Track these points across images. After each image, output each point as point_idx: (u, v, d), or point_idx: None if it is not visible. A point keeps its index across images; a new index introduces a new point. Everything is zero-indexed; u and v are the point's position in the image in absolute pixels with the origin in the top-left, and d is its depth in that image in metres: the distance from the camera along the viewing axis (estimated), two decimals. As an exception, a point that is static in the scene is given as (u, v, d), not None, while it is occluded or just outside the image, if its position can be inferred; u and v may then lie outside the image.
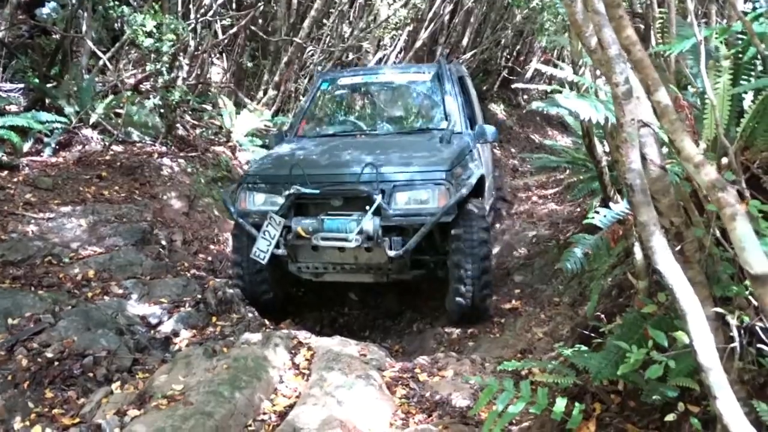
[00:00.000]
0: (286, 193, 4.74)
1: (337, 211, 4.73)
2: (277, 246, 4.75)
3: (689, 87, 2.70)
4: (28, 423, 3.21)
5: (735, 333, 1.35)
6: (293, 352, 4.05)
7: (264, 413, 3.42)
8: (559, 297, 5.05)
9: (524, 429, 2.76)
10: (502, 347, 4.55)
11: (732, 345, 1.34)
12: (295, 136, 6.10)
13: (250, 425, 3.29)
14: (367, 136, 5.87)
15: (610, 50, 1.21)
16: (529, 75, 17.99)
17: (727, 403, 1.12)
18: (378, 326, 5.83)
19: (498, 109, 17.20)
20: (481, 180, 5.34)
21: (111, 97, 7.47)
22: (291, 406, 3.44)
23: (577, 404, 1.93)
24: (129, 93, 7.57)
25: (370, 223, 4.52)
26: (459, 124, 5.74)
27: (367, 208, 4.55)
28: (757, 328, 1.41)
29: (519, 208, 8.88)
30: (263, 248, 4.73)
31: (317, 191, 4.70)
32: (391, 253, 4.59)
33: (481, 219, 4.88)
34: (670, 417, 1.79)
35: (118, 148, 7.29)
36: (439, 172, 4.67)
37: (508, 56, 17.12)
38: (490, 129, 5.83)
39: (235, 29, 9.04)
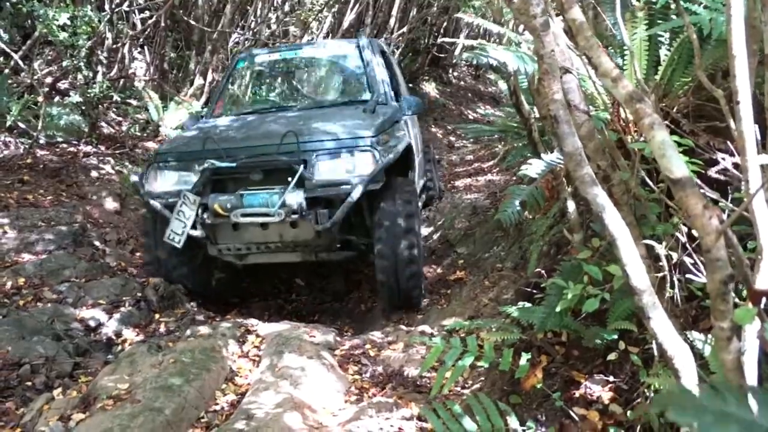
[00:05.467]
0: (200, 168, 4.43)
1: (257, 186, 4.45)
2: (193, 227, 4.44)
3: (609, 48, 2.78)
4: (-36, 439, 3.06)
5: (664, 262, 1.40)
6: (242, 340, 3.99)
7: (216, 404, 3.35)
8: (501, 263, 5.15)
9: (476, 390, 2.81)
10: (450, 316, 4.61)
11: (662, 274, 1.39)
12: (212, 117, 5.82)
13: (203, 417, 3.22)
14: (287, 111, 5.59)
15: (526, -18, 1.23)
16: (457, 51, 18.14)
17: (660, 322, 1.16)
18: (326, 309, 5.81)
19: (430, 88, 17.31)
20: (409, 153, 5.23)
21: (26, 97, 7.11)
22: (243, 394, 3.39)
23: (523, 354, 1.97)
24: (46, 91, 7.22)
25: (293, 195, 4.28)
26: (383, 96, 5.54)
27: (289, 179, 4.30)
28: (686, 261, 1.47)
29: (457, 182, 8.98)
30: (178, 230, 4.42)
31: (233, 165, 4.39)
32: (318, 227, 4.37)
33: (407, 195, 4.66)
34: (611, 356, 1.85)
35: (41, 151, 6.96)
36: (364, 138, 4.43)
37: (436, 34, 17.21)
38: (414, 100, 5.71)
39: (153, 19, 8.73)
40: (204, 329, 4.01)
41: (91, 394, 3.29)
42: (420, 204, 6.15)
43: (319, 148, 4.41)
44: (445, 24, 17.24)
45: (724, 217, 0.92)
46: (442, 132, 14.55)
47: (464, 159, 11.42)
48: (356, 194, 4.28)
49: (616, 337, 1.94)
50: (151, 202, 4.58)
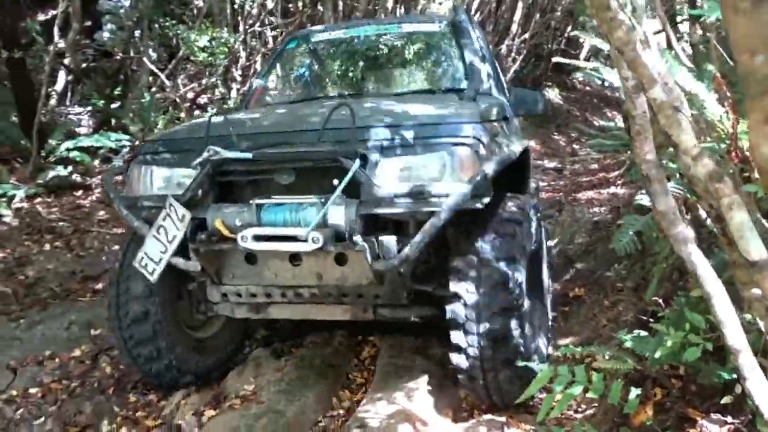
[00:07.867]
0: (199, 159, 2.83)
1: (286, 196, 2.87)
2: (179, 253, 2.92)
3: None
4: (114, 426, 3.44)
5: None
6: (357, 349, 4.15)
7: (333, 409, 3.53)
8: (622, 282, 4.96)
9: (588, 416, 2.77)
10: (567, 335, 4.52)
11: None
12: (245, 109, 4.45)
13: (320, 421, 3.41)
14: (348, 99, 3.94)
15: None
16: (583, 56, 17.58)
17: (757, 384, 1.13)
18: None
19: (553, 94, 16.91)
20: (526, 159, 3.78)
21: (170, 112, 7.80)
22: (358, 402, 3.54)
23: (633, 389, 1.94)
24: (187, 106, 7.89)
25: (340, 209, 2.69)
26: (488, 85, 4.03)
27: (336, 183, 2.70)
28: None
29: (579, 194, 8.73)
30: (153, 254, 2.90)
31: (248, 155, 2.79)
32: (379, 266, 2.74)
33: (513, 232, 3.00)
34: (726, 399, 1.78)
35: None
36: (461, 125, 2.84)
37: (560, 38, 16.80)
38: (533, 94, 4.09)
39: (284, 35, 9.25)
40: (321, 337, 4.21)
41: (222, 393, 3.59)
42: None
43: (387, 137, 2.80)
44: (569, 28, 16.78)
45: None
46: (566, 140, 14.18)
47: (588, 168, 11.06)
48: (446, 215, 2.60)
49: (735, 376, 1.86)
50: (123, 212, 3.07)
